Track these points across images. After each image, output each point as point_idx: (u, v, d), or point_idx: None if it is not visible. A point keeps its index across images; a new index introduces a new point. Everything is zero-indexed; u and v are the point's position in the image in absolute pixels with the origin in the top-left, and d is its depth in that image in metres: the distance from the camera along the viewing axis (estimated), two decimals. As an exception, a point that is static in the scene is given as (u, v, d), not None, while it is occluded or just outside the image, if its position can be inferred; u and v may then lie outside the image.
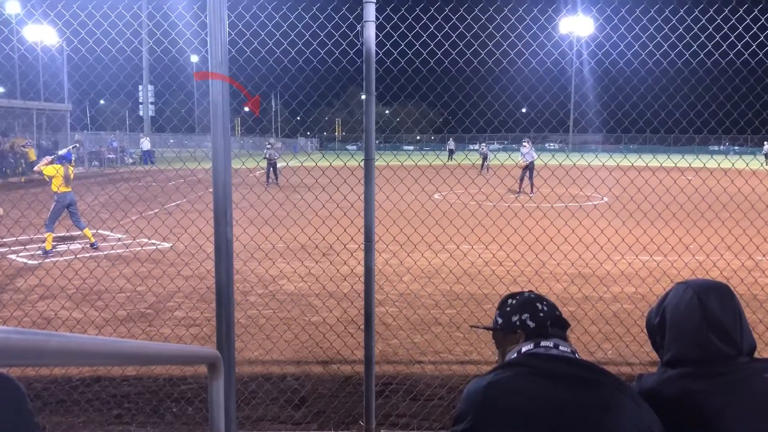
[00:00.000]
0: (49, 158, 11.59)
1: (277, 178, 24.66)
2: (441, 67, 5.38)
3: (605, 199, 19.41)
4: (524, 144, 22.51)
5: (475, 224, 7.78)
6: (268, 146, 25.05)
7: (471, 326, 2.65)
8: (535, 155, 21.93)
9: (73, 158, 12.23)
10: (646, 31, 5.01)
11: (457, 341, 6.36)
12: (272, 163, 24.49)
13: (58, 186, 11.29)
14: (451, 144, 49.77)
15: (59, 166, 11.34)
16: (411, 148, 64.98)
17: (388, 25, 4.59)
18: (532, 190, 21.73)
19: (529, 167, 21.87)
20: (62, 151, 11.79)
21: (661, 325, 2.07)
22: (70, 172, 11.55)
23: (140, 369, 5.54)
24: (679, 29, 4.96)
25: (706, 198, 6.49)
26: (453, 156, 43.83)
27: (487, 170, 30.38)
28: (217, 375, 2.44)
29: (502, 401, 1.85)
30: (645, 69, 5.53)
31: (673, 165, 5.57)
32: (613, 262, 7.85)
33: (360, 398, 4.66)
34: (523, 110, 8.15)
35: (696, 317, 1.97)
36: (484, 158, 32.40)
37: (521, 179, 22.16)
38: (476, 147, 36.72)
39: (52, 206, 11.35)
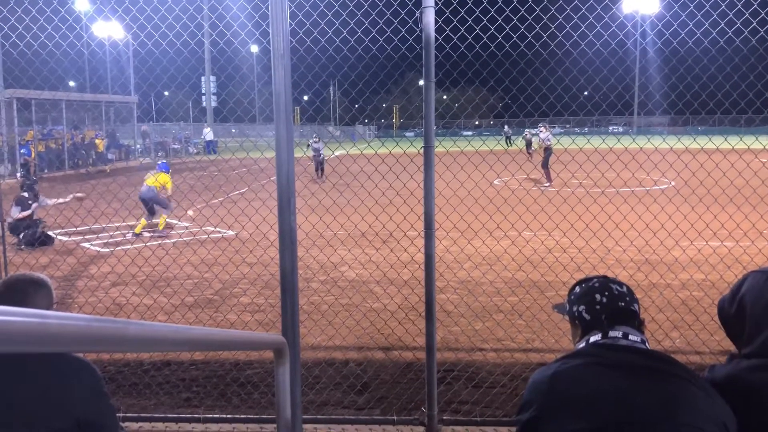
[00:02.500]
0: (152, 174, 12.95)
1: (323, 173, 23.33)
2: (502, 51, 5.29)
3: (673, 183, 18.80)
4: (541, 129, 20.99)
5: (537, 211, 7.66)
6: (315, 138, 24.12)
7: (553, 306, 2.34)
8: (552, 140, 20.26)
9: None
10: (717, 8, 4.80)
11: (520, 329, 6.29)
12: (319, 158, 23.32)
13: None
14: (508, 131, 48.49)
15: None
16: (470, 133, 64.20)
17: (448, 11, 4.55)
18: (549, 180, 20.00)
19: (547, 154, 20.19)
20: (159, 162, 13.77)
21: (738, 316, 1.97)
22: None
23: (207, 353, 5.71)
24: (754, 5, 4.74)
25: (782, 181, 6.20)
26: (512, 141, 42.92)
27: (532, 156, 29.62)
28: (283, 360, 2.48)
29: (568, 391, 1.82)
30: (716, 48, 5.30)
31: (746, 147, 5.33)
32: (682, 249, 7.59)
33: (422, 385, 4.67)
34: (586, 93, 7.95)
35: None
36: (528, 144, 31.61)
37: (544, 166, 20.30)
38: (530, 131, 35.66)
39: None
